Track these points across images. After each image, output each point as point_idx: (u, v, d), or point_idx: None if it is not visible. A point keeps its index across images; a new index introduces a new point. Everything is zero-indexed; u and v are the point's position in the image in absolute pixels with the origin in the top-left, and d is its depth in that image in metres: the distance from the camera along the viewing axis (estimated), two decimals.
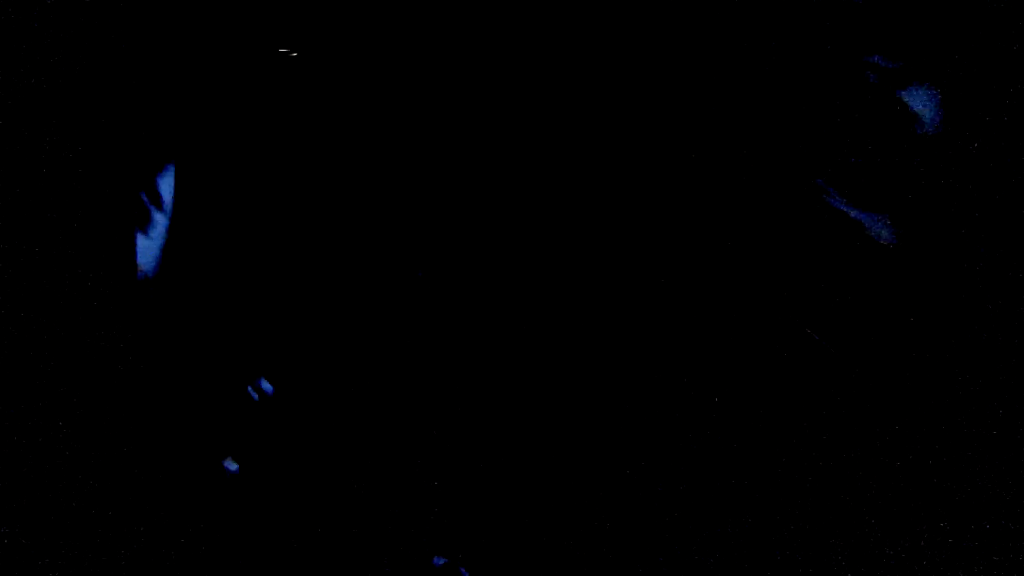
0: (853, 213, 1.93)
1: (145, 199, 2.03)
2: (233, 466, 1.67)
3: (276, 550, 1.82)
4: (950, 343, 1.92)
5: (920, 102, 1.89)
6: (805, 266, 1.92)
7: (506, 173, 1.92)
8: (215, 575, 1.80)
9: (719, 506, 1.85)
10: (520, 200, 1.91)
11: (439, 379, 1.93)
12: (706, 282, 1.93)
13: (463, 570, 1.76)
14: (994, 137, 1.91)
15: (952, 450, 1.87)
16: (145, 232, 2.01)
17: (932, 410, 1.90)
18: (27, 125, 2.00)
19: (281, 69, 2.07)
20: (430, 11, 2.00)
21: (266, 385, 1.93)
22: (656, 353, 1.93)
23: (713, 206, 1.89)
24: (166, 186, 2.03)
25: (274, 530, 1.83)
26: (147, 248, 2.00)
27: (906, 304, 1.94)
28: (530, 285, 1.94)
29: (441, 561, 1.75)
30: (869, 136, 1.97)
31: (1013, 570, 1.78)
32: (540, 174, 1.92)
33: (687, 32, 1.90)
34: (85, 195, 2.00)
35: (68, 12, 2.02)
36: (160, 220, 2.02)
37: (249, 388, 1.93)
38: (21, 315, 1.93)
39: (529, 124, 1.92)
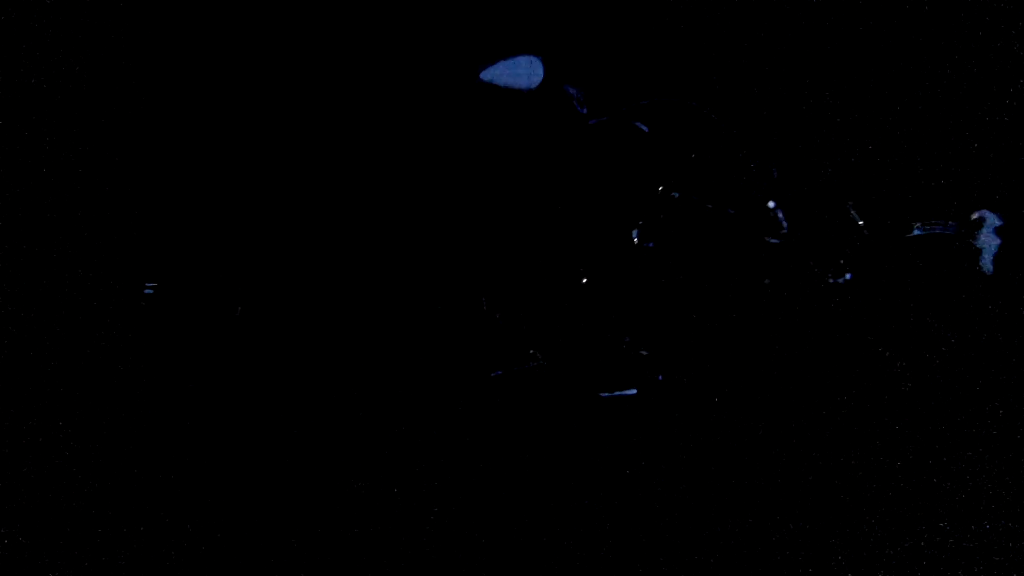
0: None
1: (144, 199, 2.02)
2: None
3: (275, 549, 1.82)
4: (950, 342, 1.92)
5: None
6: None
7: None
8: (215, 575, 1.80)
9: (719, 506, 1.85)
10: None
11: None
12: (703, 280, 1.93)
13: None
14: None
15: (952, 450, 1.87)
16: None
17: (932, 409, 1.90)
18: (27, 125, 2.00)
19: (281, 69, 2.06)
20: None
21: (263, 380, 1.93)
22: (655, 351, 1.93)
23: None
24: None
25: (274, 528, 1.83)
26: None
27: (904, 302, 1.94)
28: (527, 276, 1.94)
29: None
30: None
31: (1013, 570, 1.78)
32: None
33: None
34: (85, 195, 2.00)
35: (68, 12, 2.02)
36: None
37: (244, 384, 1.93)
38: (21, 315, 1.93)
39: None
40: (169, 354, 1.94)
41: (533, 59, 1.80)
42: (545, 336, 1.85)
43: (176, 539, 1.82)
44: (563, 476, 1.88)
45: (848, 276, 1.81)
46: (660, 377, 1.80)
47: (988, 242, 1.84)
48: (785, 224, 1.77)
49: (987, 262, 1.83)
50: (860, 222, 1.77)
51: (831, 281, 1.81)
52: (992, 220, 1.83)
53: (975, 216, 1.82)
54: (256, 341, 1.96)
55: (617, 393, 1.81)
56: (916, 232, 1.83)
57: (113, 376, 1.91)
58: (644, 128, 1.76)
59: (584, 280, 1.78)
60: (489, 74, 1.78)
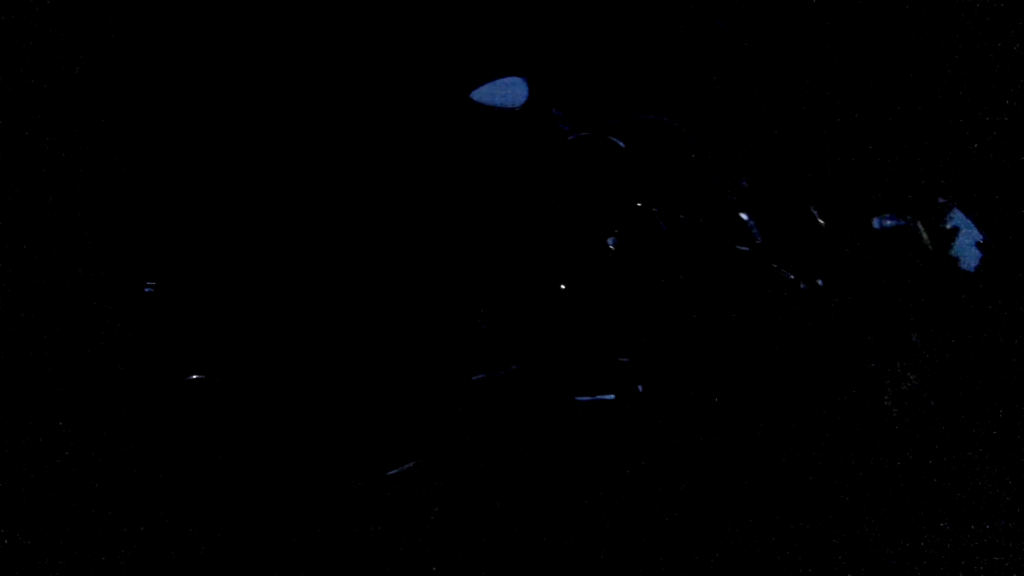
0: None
1: (145, 198, 2.02)
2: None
3: (275, 548, 1.82)
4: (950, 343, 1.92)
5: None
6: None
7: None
8: (215, 575, 1.81)
9: (719, 506, 1.85)
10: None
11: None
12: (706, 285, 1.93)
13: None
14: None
15: (952, 450, 1.87)
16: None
17: (932, 409, 1.90)
18: (27, 125, 2.00)
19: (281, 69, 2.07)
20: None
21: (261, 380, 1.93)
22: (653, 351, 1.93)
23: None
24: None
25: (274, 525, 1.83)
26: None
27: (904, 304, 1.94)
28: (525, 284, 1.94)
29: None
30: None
31: (1013, 570, 1.78)
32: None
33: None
34: (85, 195, 2.00)
35: (68, 12, 2.02)
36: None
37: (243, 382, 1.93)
38: (21, 315, 1.93)
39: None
40: (169, 354, 1.94)
41: (518, 80, 1.88)
42: (527, 341, 1.87)
43: (176, 539, 1.82)
44: (562, 476, 1.88)
45: (819, 282, 1.84)
46: (640, 388, 1.83)
47: (968, 254, 1.85)
48: (758, 234, 1.81)
49: (969, 266, 1.84)
50: (821, 222, 1.79)
51: (803, 287, 1.84)
52: (973, 234, 1.85)
53: (950, 225, 1.84)
54: (255, 341, 1.96)
55: (595, 398, 1.83)
56: (876, 226, 1.84)
57: (113, 376, 1.92)
58: (620, 143, 1.82)
59: (563, 286, 1.81)
60: (479, 94, 1.87)
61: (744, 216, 1.82)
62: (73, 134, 2.01)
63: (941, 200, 1.87)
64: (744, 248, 1.82)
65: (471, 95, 1.87)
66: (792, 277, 1.83)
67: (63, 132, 2.01)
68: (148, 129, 2.04)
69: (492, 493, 1.86)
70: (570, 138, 1.84)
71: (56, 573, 1.79)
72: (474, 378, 1.87)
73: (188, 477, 1.87)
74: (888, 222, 1.86)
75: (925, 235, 1.77)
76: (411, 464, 1.81)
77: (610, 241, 1.79)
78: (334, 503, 1.86)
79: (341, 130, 2.02)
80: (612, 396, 1.82)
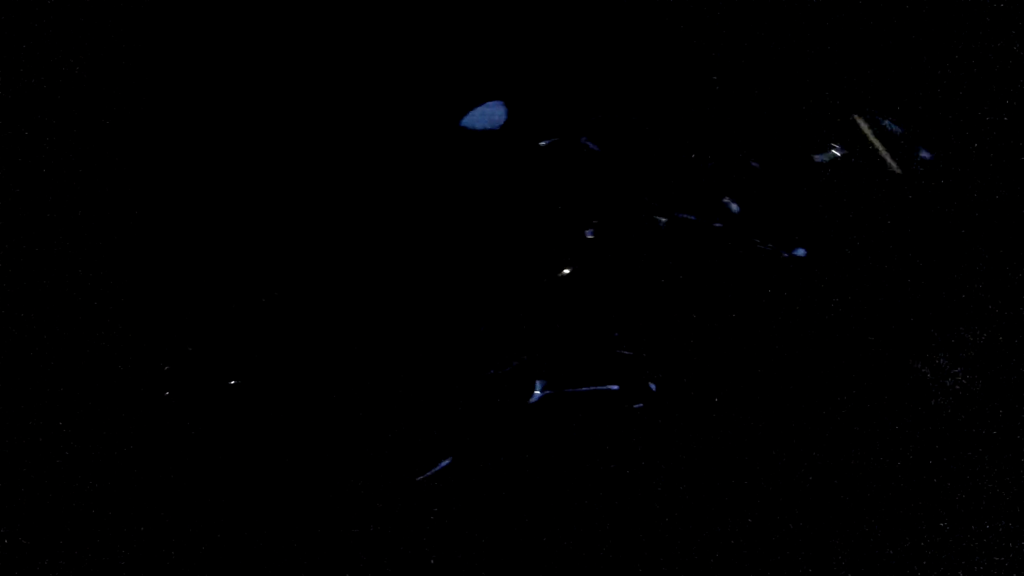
0: None
1: (146, 198, 2.03)
2: None
3: (276, 548, 1.82)
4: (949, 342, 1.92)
5: None
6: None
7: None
8: (215, 575, 1.81)
9: (719, 506, 1.85)
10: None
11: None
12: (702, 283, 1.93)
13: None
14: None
15: (951, 450, 1.87)
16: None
17: (931, 408, 1.90)
18: (27, 125, 2.00)
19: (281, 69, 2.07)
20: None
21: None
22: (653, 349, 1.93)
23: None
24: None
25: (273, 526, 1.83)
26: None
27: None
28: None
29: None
30: None
31: (1013, 570, 1.78)
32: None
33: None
34: (85, 195, 2.00)
35: (68, 12, 2.02)
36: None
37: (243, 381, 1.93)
38: (21, 315, 1.93)
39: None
40: (169, 354, 1.94)
41: (497, 103, 2.10)
42: (526, 338, 1.91)
43: (176, 539, 1.82)
44: (563, 476, 1.88)
45: (801, 251, 1.85)
46: (653, 387, 1.85)
47: (894, 152, 1.85)
48: (734, 208, 1.84)
49: (893, 165, 1.83)
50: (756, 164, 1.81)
51: (784, 256, 1.85)
52: (890, 126, 1.84)
53: (891, 130, 1.83)
54: (255, 340, 1.96)
55: (597, 388, 1.86)
56: (819, 159, 1.85)
57: (113, 376, 1.92)
58: (593, 146, 1.89)
59: (565, 271, 1.86)
60: (467, 121, 2.08)
61: (724, 198, 1.86)
62: (73, 134, 2.01)
63: (859, 116, 1.87)
64: (719, 224, 1.85)
65: (461, 122, 2.06)
66: (771, 247, 1.84)
67: (63, 132, 2.01)
68: (148, 129, 2.04)
69: (493, 493, 1.86)
70: (541, 144, 1.92)
71: (56, 573, 1.79)
72: (476, 377, 1.89)
73: (188, 477, 1.87)
74: (827, 154, 1.87)
75: (884, 152, 1.76)
76: (443, 464, 1.83)
77: (588, 232, 1.84)
78: (334, 503, 1.86)
79: (344, 141, 2.08)
80: (615, 387, 1.85)
